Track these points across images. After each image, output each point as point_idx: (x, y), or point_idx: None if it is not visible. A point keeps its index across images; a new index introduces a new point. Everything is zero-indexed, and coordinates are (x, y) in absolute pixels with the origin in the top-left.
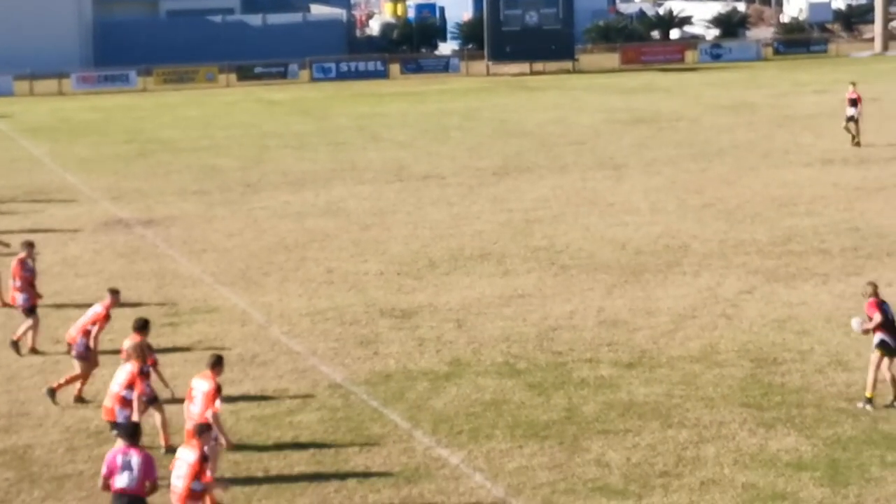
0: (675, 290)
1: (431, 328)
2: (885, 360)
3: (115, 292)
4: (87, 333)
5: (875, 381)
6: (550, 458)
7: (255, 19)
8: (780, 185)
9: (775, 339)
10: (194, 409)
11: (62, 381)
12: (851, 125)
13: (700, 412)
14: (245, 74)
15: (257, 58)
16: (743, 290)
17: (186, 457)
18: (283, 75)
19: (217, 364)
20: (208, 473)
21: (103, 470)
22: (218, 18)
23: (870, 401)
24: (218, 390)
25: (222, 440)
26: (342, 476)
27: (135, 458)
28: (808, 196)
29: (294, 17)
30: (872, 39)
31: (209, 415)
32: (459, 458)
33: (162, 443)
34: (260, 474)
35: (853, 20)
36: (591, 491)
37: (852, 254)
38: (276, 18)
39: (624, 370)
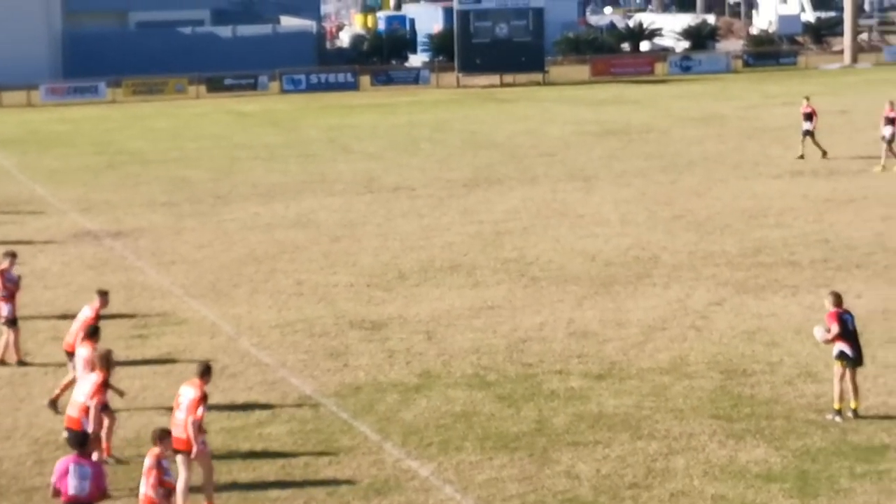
0: (644, 302)
1: (401, 340)
2: (848, 371)
3: (103, 294)
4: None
5: (841, 392)
6: (520, 470)
7: (225, 31)
8: (750, 197)
9: (745, 351)
10: (180, 416)
11: (58, 390)
12: (808, 140)
13: (670, 424)
14: (215, 86)
15: (227, 69)
16: (713, 301)
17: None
18: (254, 87)
19: (206, 372)
20: (164, 478)
21: (53, 477)
22: (188, 30)
23: (838, 412)
24: (203, 398)
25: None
26: (311, 488)
27: (86, 467)
28: (778, 208)
29: (264, 29)
30: (842, 52)
31: (190, 421)
32: (429, 470)
33: (104, 452)
34: (229, 486)
35: (822, 32)
36: (561, 503)
37: (822, 265)
38: (246, 30)
39: (594, 382)
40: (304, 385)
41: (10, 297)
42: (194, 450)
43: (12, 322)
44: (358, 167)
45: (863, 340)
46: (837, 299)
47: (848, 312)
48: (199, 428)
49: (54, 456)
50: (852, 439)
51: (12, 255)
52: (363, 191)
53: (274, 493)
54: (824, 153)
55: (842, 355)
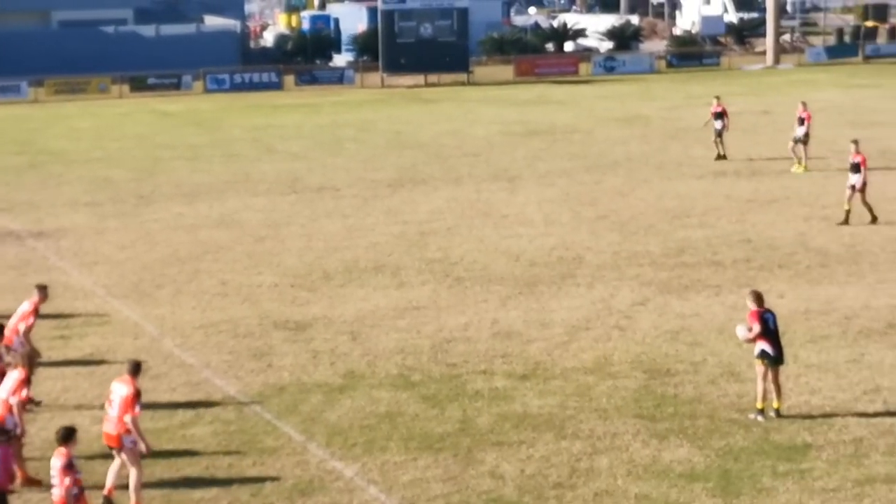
0: (568, 302)
1: (326, 340)
2: (770, 371)
3: (42, 288)
4: (19, 332)
5: (765, 391)
6: (445, 471)
7: (148, 30)
8: (673, 197)
9: (668, 351)
10: (112, 413)
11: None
12: (718, 140)
13: (594, 424)
14: (138, 85)
15: (150, 69)
16: (636, 301)
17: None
18: (177, 87)
19: (136, 369)
20: (77, 477)
21: None
22: (111, 29)
23: (761, 412)
24: (137, 395)
25: (141, 445)
26: (236, 489)
27: None
28: (701, 208)
29: (188, 29)
30: (764, 53)
31: (128, 419)
32: (353, 471)
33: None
34: (152, 488)
35: (745, 34)
36: (485, 503)
37: (744, 265)
38: (169, 30)
39: (518, 382)
40: (228, 386)
41: None
42: (126, 447)
43: None
44: (282, 167)
45: (785, 340)
46: (759, 299)
47: (769, 311)
48: (136, 425)
49: None
50: (775, 438)
51: None
52: (287, 191)
53: (198, 494)
54: (724, 156)
55: (763, 354)
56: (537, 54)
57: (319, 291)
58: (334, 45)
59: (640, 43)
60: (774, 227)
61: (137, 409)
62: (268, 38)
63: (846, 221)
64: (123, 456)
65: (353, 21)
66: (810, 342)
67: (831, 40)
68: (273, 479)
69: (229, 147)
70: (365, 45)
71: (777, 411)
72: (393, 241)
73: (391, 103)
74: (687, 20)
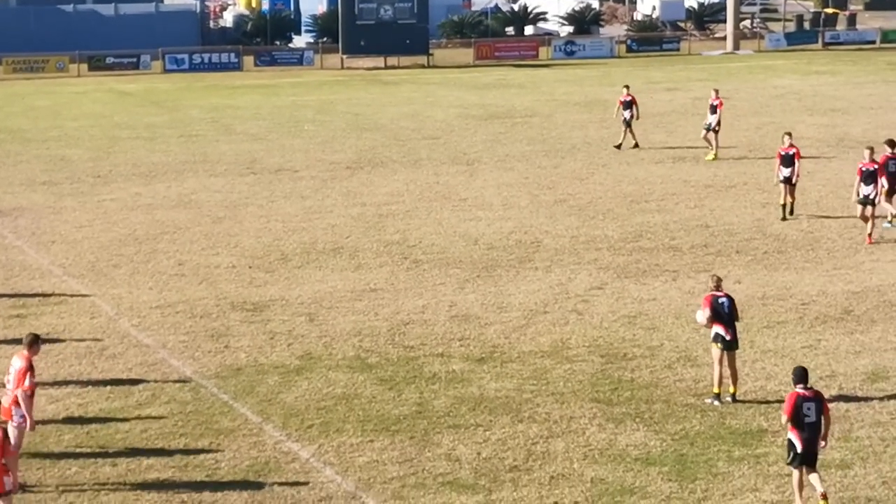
0: (526, 286)
1: (283, 322)
2: (725, 355)
3: None
4: None
5: (721, 376)
6: (401, 453)
7: (107, 9)
8: (632, 182)
9: (625, 335)
10: (9, 387)
11: None
12: (628, 129)
13: (550, 407)
14: (96, 65)
15: (109, 48)
16: (594, 286)
17: None
18: (136, 66)
19: (34, 343)
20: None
21: None
22: (69, 7)
23: (717, 396)
24: (30, 369)
25: (27, 422)
26: (191, 470)
27: None
28: (659, 193)
29: (147, 8)
30: (724, 38)
31: (19, 393)
32: (310, 452)
33: None
34: (107, 468)
35: (705, 19)
36: (441, 485)
37: (702, 251)
38: (128, 8)
39: (475, 365)
40: (185, 366)
41: None
42: (14, 421)
43: None
44: (240, 148)
45: (741, 326)
46: (717, 283)
47: (726, 296)
48: (29, 398)
49: None
50: (730, 423)
51: None
52: (245, 172)
53: (153, 475)
54: (634, 145)
55: (717, 338)
56: (497, 38)
57: (277, 273)
58: (294, 26)
59: (601, 27)
60: (732, 213)
61: (27, 382)
62: (227, 19)
63: (788, 214)
64: (9, 428)
65: (312, 3)
66: (767, 328)
67: (791, 27)
68: (229, 459)
69: (188, 127)
70: (325, 27)
71: (733, 396)
72: (351, 224)
73: (350, 85)
74: (647, 5)
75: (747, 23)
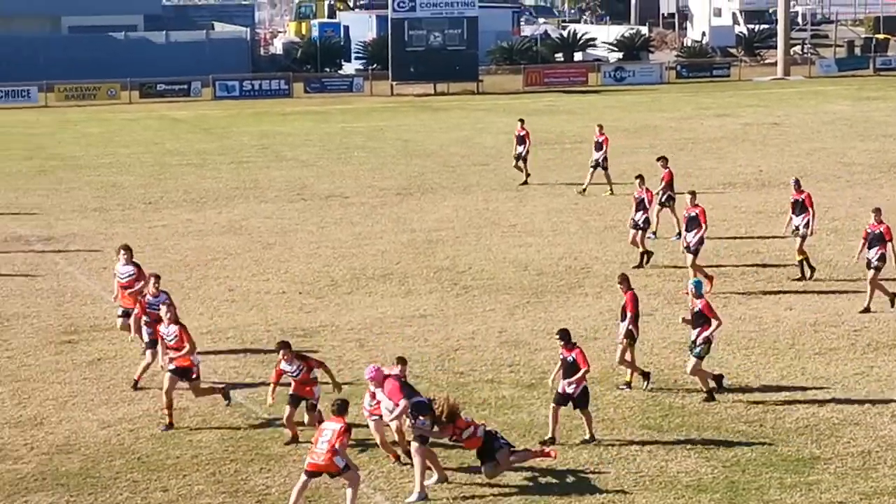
0: (576, 312)
1: (333, 348)
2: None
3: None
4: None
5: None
6: (451, 479)
7: (158, 37)
8: (681, 208)
9: (676, 362)
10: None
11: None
12: (521, 163)
13: (601, 434)
14: (147, 92)
15: (160, 75)
16: (644, 312)
17: None
18: (186, 93)
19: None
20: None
21: None
22: (121, 35)
23: (628, 384)
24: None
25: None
26: (241, 495)
27: None
28: (710, 219)
29: (198, 35)
30: (774, 64)
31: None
32: (360, 478)
33: None
34: (158, 493)
35: (755, 45)
36: None
37: (753, 276)
38: (179, 36)
39: (525, 391)
40: (236, 392)
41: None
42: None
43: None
44: (291, 174)
45: (793, 352)
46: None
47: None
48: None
49: None
50: (782, 450)
51: (156, 278)
52: (295, 198)
53: (203, 501)
54: (527, 177)
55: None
56: (546, 64)
57: (327, 299)
58: (343, 53)
59: (650, 53)
60: (783, 239)
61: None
62: (277, 46)
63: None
64: None
65: (362, 29)
66: (818, 354)
67: (842, 52)
68: (279, 485)
69: (238, 154)
70: (374, 54)
71: (628, 384)
72: (401, 249)
73: (400, 112)
74: (697, 31)
75: (798, 48)
